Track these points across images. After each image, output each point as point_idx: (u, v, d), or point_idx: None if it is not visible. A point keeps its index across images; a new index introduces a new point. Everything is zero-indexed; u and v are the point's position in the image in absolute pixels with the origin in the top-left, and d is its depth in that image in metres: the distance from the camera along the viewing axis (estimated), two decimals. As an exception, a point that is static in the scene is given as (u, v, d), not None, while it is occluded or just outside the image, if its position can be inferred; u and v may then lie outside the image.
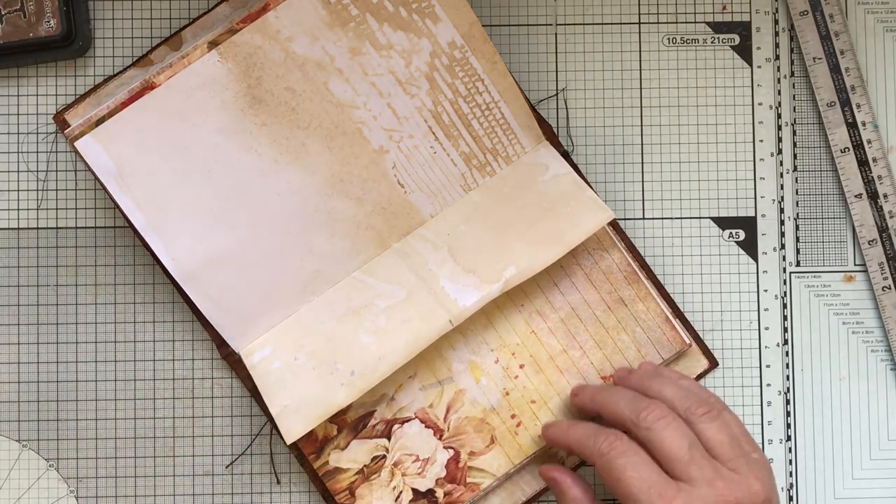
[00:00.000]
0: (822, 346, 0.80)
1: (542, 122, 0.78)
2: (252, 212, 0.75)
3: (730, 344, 0.80)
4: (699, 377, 0.79)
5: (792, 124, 0.80)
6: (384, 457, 0.77)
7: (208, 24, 0.76)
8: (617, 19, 0.80)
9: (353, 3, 0.73)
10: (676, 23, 0.80)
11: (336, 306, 0.76)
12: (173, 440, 0.78)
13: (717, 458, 0.67)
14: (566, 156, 0.78)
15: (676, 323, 0.78)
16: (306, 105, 0.74)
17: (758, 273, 0.80)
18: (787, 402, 0.79)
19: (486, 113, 0.76)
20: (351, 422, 0.77)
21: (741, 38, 0.80)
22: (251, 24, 0.72)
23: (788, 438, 0.79)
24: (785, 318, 0.80)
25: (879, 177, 0.79)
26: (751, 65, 0.80)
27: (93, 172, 0.72)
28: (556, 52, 0.80)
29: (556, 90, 0.80)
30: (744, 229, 0.80)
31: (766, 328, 0.80)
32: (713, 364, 0.79)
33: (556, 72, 0.80)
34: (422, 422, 0.77)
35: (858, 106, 0.79)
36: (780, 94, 0.80)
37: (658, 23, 0.80)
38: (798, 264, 0.80)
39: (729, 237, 0.80)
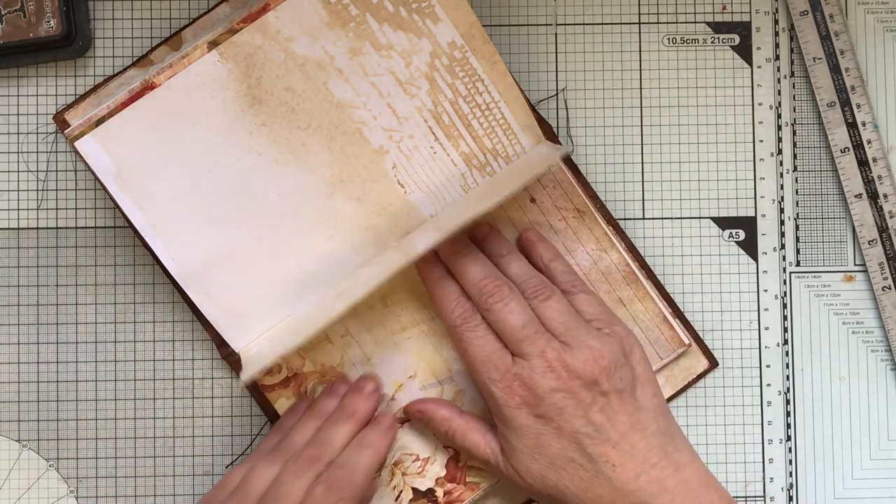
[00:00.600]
0: (822, 346, 0.80)
1: (542, 122, 0.78)
2: (252, 212, 0.74)
3: (730, 344, 0.80)
4: (699, 377, 0.79)
5: (792, 124, 0.80)
6: (384, 456, 0.77)
7: (208, 24, 0.76)
8: (617, 19, 0.80)
9: (353, 3, 0.73)
10: (676, 23, 0.80)
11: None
12: (173, 440, 0.78)
13: (553, 335, 0.71)
14: (566, 157, 0.78)
15: (675, 323, 0.78)
16: (306, 105, 0.74)
17: (758, 273, 0.80)
18: (787, 402, 0.79)
19: (486, 113, 0.76)
20: (351, 422, 0.77)
21: (741, 38, 0.80)
22: (251, 24, 0.72)
23: (788, 438, 0.79)
24: (785, 318, 0.80)
25: (879, 177, 0.79)
26: (751, 65, 0.80)
27: (93, 172, 0.72)
28: (556, 52, 0.80)
29: (556, 90, 0.80)
30: (744, 229, 0.80)
31: (766, 328, 0.80)
32: (713, 364, 0.79)
33: (556, 72, 0.80)
34: (422, 421, 0.77)
35: (858, 106, 0.79)
36: (780, 94, 0.80)
37: (658, 23, 0.80)
38: (798, 264, 0.80)
39: (729, 237, 0.80)
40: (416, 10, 0.74)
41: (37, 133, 0.78)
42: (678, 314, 0.79)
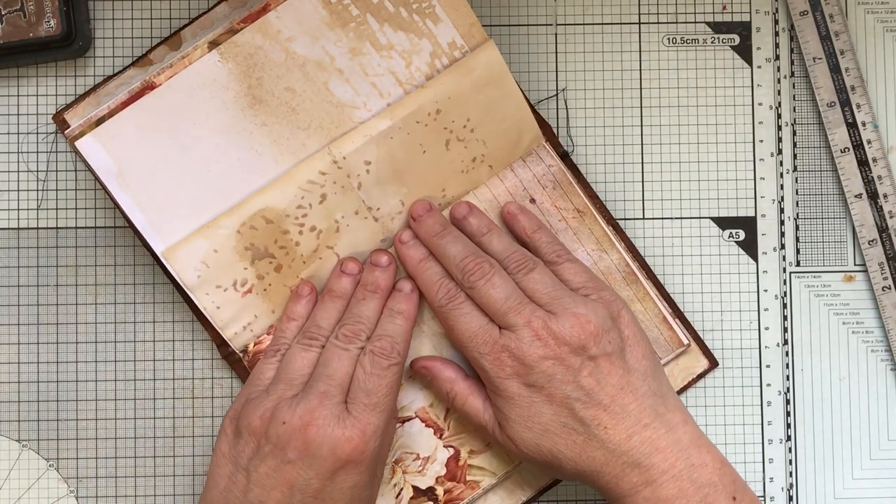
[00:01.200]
0: (822, 346, 0.80)
1: (541, 121, 0.78)
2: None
3: (730, 344, 0.80)
4: (699, 377, 0.79)
5: (792, 124, 0.80)
6: (384, 456, 0.77)
7: (207, 24, 0.75)
8: (617, 19, 0.80)
9: (353, 3, 0.73)
10: (676, 23, 0.80)
11: None
12: (173, 440, 0.78)
13: (538, 305, 0.71)
14: (565, 156, 0.78)
15: (675, 323, 0.78)
16: (307, 105, 0.74)
17: (758, 273, 0.80)
18: (787, 402, 0.79)
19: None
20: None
21: (741, 38, 0.80)
22: (252, 24, 0.72)
23: (788, 438, 0.79)
24: (785, 318, 0.80)
25: (879, 177, 0.79)
26: (751, 65, 0.80)
27: (93, 172, 0.72)
28: (556, 52, 0.80)
29: (556, 90, 0.80)
30: (744, 229, 0.80)
31: (766, 328, 0.80)
32: (713, 364, 0.79)
33: (556, 72, 0.80)
34: (422, 421, 0.77)
35: (858, 106, 0.79)
36: (780, 94, 0.80)
37: (658, 23, 0.80)
38: (798, 264, 0.80)
39: (729, 237, 0.80)
40: (416, 10, 0.74)
41: (37, 133, 0.78)
42: (678, 314, 0.79)
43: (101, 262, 0.78)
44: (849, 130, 0.79)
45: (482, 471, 0.77)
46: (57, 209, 0.78)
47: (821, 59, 0.79)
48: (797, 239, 0.80)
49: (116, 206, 0.74)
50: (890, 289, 0.79)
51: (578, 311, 0.70)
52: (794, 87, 0.80)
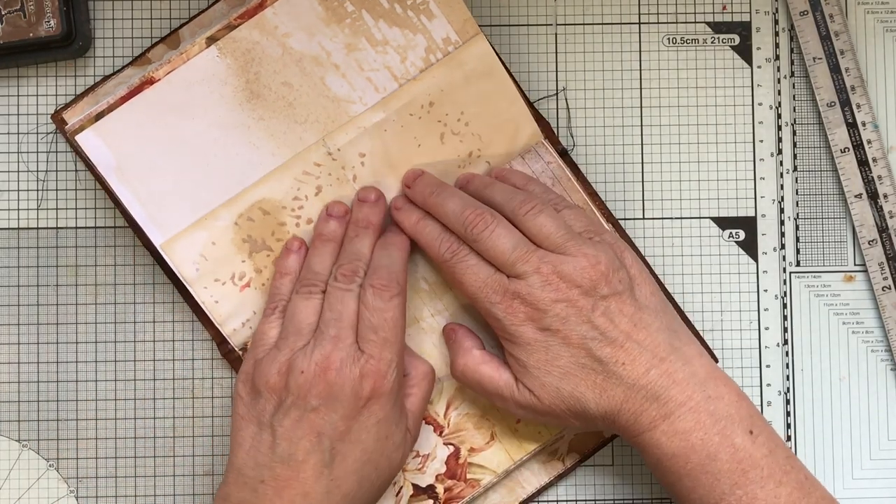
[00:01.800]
0: (822, 346, 0.80)
1: (541, 121, 0.78)
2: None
3: (730, 344, 0.80)
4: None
5: (792, 124, 0.80)
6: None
7: (205, 23, 0.76)
8: (617, 19, 0.80)
9: (349, -1, 0.74)
10: (676, 23, 0.80)
11: None
12: (173, 440, 0.78)
13: (545, 249, 0.71)
14: (564, 154, 0.78)
15: (676, 322, 0.78)
16: (304, 100, 0.74)
17: (758, 273, 0.80)
18: (787, 402, 0.79)
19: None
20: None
21: (741, 38, 0.80)
22: (249, 20, 0.73)
23: (788, 439, 0.79)
24: (785, 318, 0.80)
25: (879, 177, 0.79)
26: (751, 65, 0.80)
27: (93, 167, 0.73)
28: (556, 52, 0.80)
29: (556, 90, 0.80)
30: (744, 229, 0.80)
31: (766, 328, 0.79)
32: (713, 363, 0.79)
33: (556, 71, 0.80)
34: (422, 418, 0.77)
35: (858, 106, 0.79)
36: (780, 94, 0.80)
37: (658, 23, 0.80)
38: (798, 264, 0.80)
39: (729, 237, 0.80)
40: (410, 6, 0.74)
41: (37, 133, 0.78)
42: (678, 314, 0.79)
43: (101, 262, 0.79)
44: (849, 130, 0.79)
45: (482, 469, 0.77)
46: (57, 209, 0.78)
47: (821, 59, 0.80)
48: (797, 239, 0.80)
49: (115, 203, 0.74)
50: (890, 289, 0.79)
51: (588, 251, 0.70)
52: (794, 87, 0.80)
